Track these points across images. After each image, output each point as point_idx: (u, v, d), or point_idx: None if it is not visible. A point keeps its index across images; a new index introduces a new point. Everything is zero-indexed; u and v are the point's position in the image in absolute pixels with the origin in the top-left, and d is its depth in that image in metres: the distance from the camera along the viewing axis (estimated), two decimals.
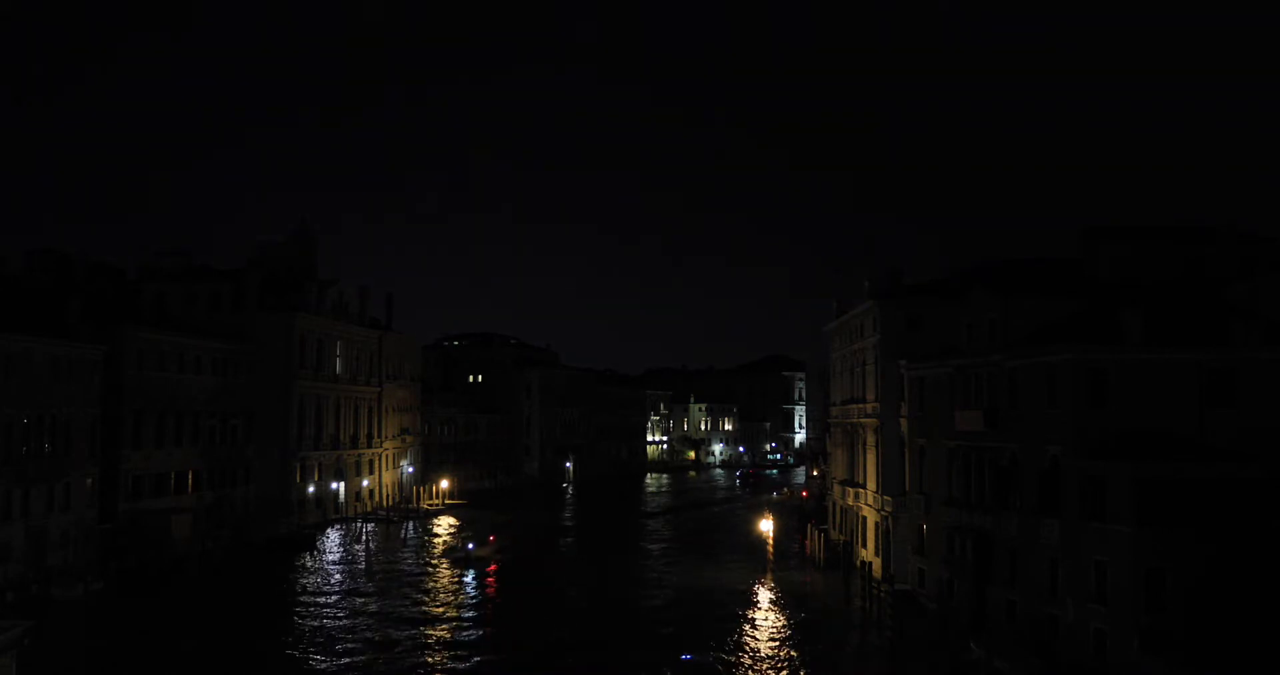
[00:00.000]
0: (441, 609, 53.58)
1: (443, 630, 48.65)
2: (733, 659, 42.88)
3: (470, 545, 70.80)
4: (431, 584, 60.54)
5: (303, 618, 51.06)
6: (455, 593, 58.67)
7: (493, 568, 66.19)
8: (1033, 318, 47.55)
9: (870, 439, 61.88)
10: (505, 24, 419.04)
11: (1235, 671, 34.61)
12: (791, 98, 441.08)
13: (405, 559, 69.95)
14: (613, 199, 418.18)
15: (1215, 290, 47.34)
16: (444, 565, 66.99)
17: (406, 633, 47.49)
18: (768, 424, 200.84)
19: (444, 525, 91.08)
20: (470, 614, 52.94)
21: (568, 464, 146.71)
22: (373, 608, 52.99)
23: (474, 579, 62.55)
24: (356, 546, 76.86)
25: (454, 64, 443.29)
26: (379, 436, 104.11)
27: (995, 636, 42.09)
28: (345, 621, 49.61)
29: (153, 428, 72.55)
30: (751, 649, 44.84)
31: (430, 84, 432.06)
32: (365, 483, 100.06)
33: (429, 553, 72.85)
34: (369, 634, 46.99)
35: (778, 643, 46.24)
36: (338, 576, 62.93)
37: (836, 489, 72.31)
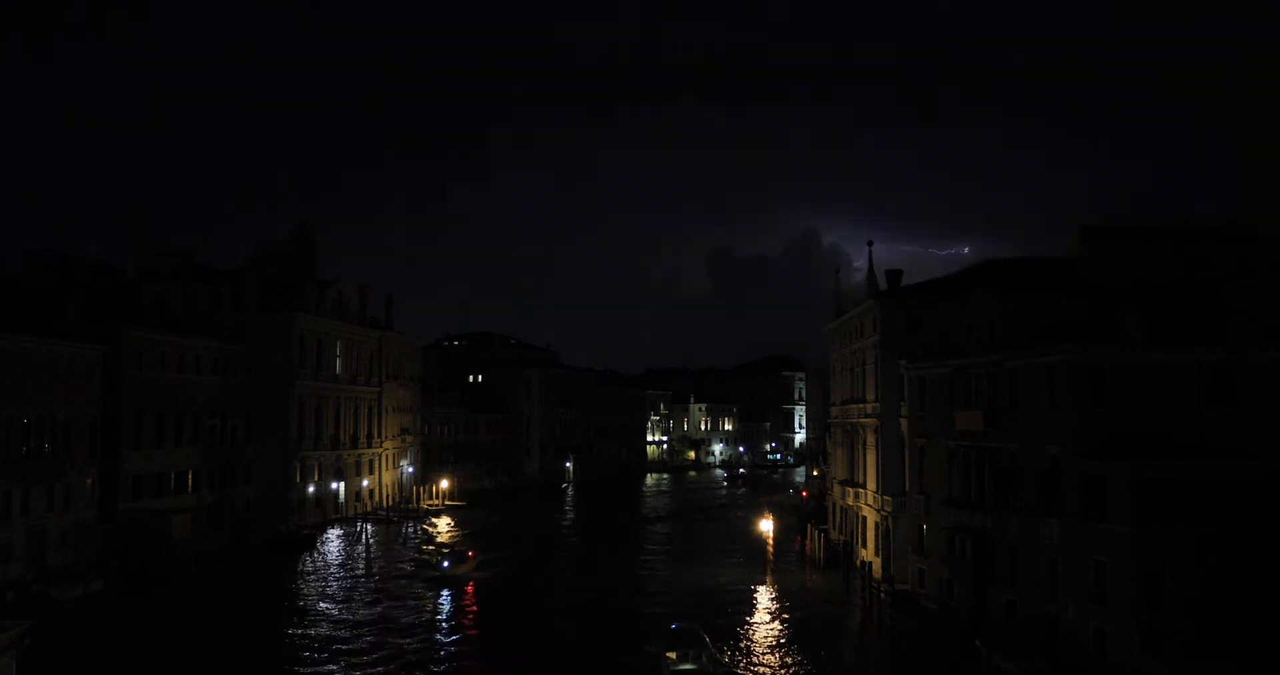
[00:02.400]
0: (408, 640, 46.95)
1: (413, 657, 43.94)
2: (733, 660, 42.91)
3: (445, 563, 62.67)
4: (396, 610, 53.32)
5: (294, 632, 49.79)
6: (427, 621, 51.32)
7: (471, 588, 59.31)
8: (1033, 318, 47.58)
9: (870, 439, 61.88)
10: (502, 17, 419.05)
11: (1235, 671, 34.65)
12: (789, 97, 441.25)
13: (402, 568, 65.83)
14: (611, 199, 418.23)
15: (1215, 290, 47.31)
16: (415, 586, 59.67)
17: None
18: (768, 424, 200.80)
19: (443, 525, 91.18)
20: (445, 644, 46.98)
21: (568, 464, 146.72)
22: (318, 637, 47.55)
23: (450, 601, 56.03)
24: (357, 547, 76.91)
25: (452, 61, 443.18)
26: (379, 436, 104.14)
27: (995, 636, 42.11)
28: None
29: (153, 428, 72.55)
30: (752, 650, 44.85)
31: (429, 82, 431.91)
32: (365, 483, 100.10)
33: (401, 568, 65.90)
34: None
35: (778, 643, 46.24)
36: (333, 584, 61.83)
37: (836, 489, 72.31)
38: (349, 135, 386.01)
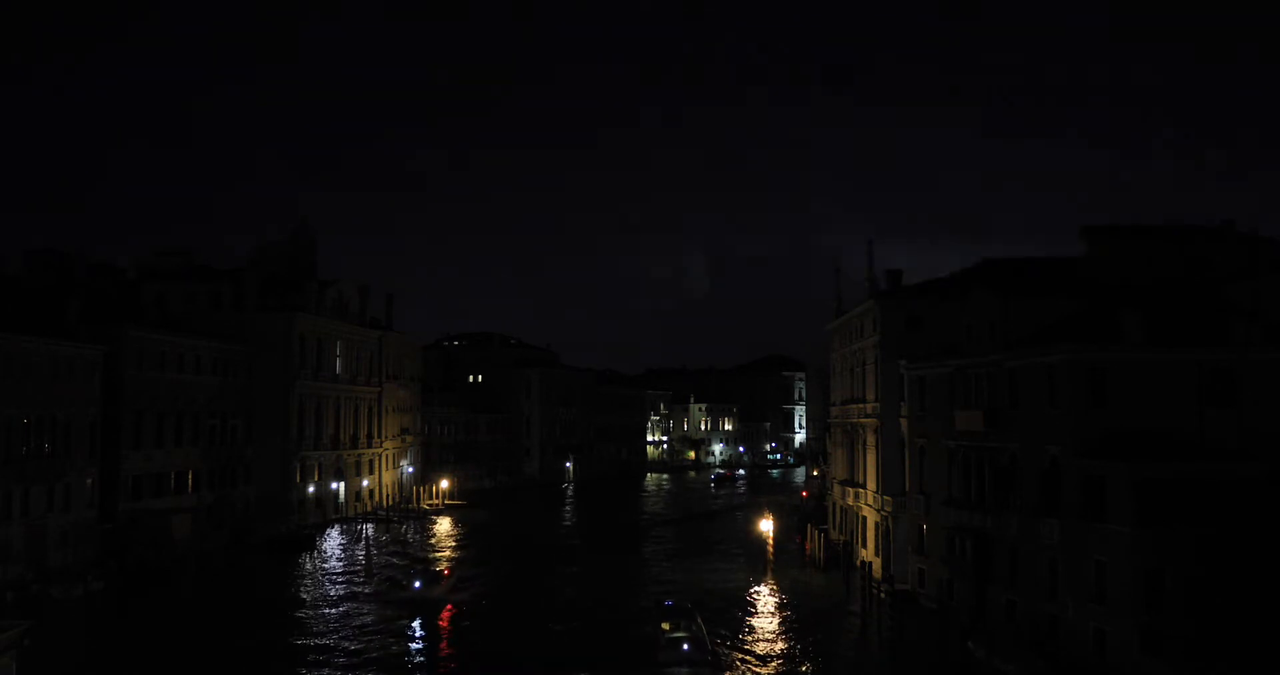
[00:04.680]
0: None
1: None
2: (733, 660, 42.96)
3: (417, 583, 56.29)
4: (363, 645, 45.98)
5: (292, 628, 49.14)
6: (394, 659, 43.96)
7: (446, 614, 52.45)
8: (1033, 318, 47.57)
9: (870, 439, 61.87)
10: (503, 13, 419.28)
11: (1235, 671, 34.65)
12: (788, 96, 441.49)
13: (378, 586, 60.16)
14: (613, 199, 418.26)
15: (1215, 290, 47.31)
16: (384, 609, 53.05)
17: None
18: (768, 424, 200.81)
19: (443, 526, 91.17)
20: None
21: (568, 464, 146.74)
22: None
23: (420, 630, 49.22)
24: (356, 547, 76.84)
25: (450, 57, 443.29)
26: (379, 436, 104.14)
27: (995, 636, 42.10)
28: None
29: (153, 428, 72.57)
30: (752, 650, 44.84)
31: (428, 81, 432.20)
32: (365, 483, 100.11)
33: (372, 583, 60.22)
34: None
35: (778, 643, 46.23)
36: (319, 593, 58.50)
37: (836, 489, 72.30)
38: (349, 133, 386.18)
